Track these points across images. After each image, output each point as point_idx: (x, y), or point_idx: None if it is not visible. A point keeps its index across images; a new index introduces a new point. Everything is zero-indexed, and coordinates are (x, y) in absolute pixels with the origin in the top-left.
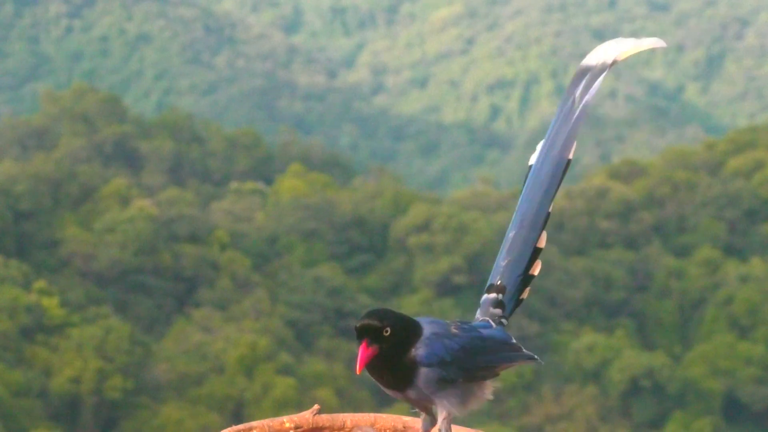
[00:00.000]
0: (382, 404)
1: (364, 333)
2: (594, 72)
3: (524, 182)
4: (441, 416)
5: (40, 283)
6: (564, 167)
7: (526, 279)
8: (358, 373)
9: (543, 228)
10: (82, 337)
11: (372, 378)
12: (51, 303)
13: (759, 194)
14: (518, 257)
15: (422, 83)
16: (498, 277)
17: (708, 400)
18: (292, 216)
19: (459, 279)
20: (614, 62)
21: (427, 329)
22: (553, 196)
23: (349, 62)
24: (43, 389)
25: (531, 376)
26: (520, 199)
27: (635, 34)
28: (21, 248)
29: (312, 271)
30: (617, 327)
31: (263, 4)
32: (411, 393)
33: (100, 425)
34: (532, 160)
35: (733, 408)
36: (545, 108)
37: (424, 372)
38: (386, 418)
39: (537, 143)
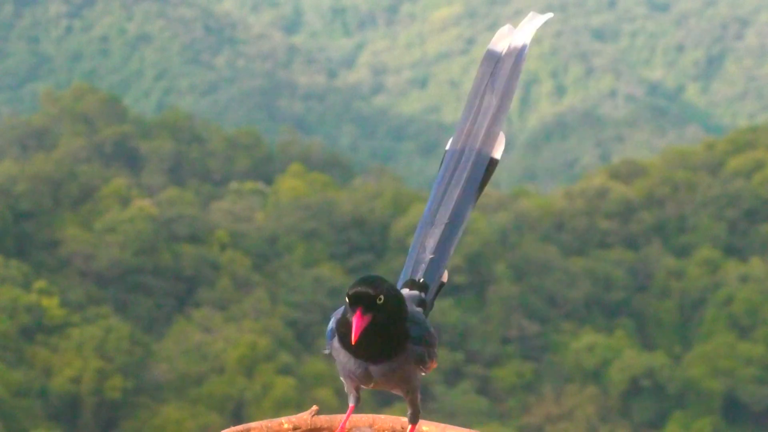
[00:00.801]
0: (381, 405)
1: (358, 301)
2: (506, 59)
3: (439, 170)
4: (410, 400)
5: (40, 283)
6: (486, 165)
7: (441, 284)
8: (353, 342)
9: (463, 228)
10: (82, 337)
11: (344, 348)
12: (51, 303)
13: (759, 194)
14: (441, 257)
15: (422, 83)
16: (420, 274)
17: (708, 400)
18: (292, 216)
19: (459, 279)
20: (525, 47)
21: (410, 305)
22: (476, 197)
23: (349, 62)
24: (43, 389)
25: (531, 376)
26: (434, 191)
27: (635, 34)
28: (21, 248)
29: (312, 271)
30: (617, 327)
31: (263, 4)
32: (384, 368)
33: (100, 425)
34: (448, 146)
35: (733, 408)
36: (545, 108)
37: (411, 348)
38: (384, 419)
39: (537, 143)
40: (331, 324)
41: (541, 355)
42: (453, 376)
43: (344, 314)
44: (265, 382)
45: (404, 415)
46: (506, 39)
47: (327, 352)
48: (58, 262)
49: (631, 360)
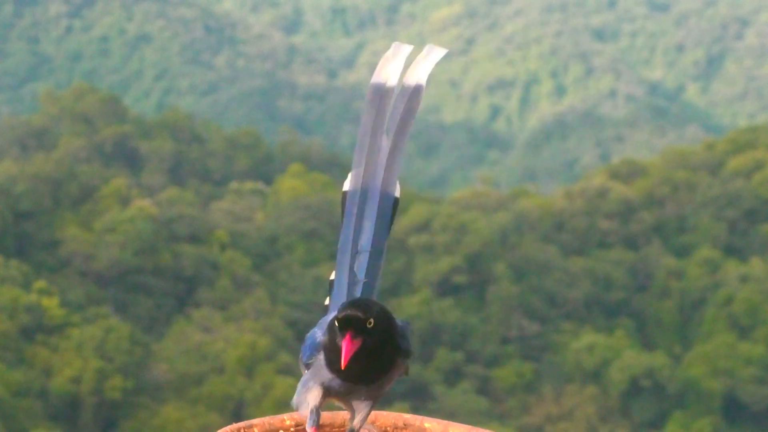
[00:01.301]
0: (381, 402)
1: (347, 325)
2: (400, 98)
3: (343, 210)
4: (365, 411)
5: (40, 283)
6: (393, 205)
7: None
8: (343, 368)
9: (385, 257)
10: (82, 337)
11: (332, 372)
12: (51, 303)
13: (759, 194)
14: (372, 281)
15: None
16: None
17: (708, 400)
18: (292, 216)
19: (459, 279)
20: (420, 86)
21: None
22: (388, 231)
23: (349, 62)
24: (43, 389)
25: (531, 376)
26: (346, 224)
27: (635, 34)
28: (21, 248)
29: (312, 271)
30: (617, 327)
31: (263, 4)
32: (374, 386)
33: (100, 425)
34: (347, 186)
35: (733, 408)
36: (545, 108)
37: (399, 362)
38: (386, 416)
39: (537, 143)
40: (318, 336)
41: (541, 355)
42: (453, 376)
43: (332, 338)
44: (265, 382)
45: (404, 412)
46: (395, 70)
47: (309, 362)
48: (58, 262)
49: (631, 360)
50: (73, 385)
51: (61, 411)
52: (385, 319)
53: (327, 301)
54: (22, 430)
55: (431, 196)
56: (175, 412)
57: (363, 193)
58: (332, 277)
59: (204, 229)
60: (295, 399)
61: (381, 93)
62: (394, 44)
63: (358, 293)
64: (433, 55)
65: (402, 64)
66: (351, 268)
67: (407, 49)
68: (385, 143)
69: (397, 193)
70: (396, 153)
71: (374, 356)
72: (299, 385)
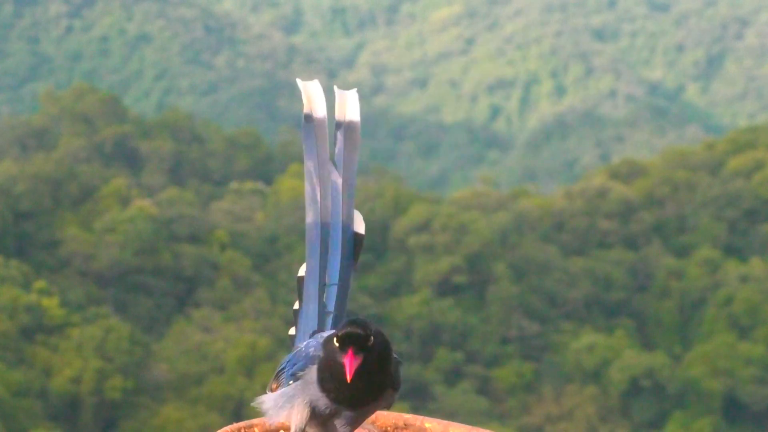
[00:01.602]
0: None
1: (350, 341)
2: (339, 134)
3: (309, 239)
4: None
5: (40, 283)
6: (354, 241)
7: None
8: (349, 381)
9: (351, 290)
10: (82, 337)
11: (323, 390)
12: (51, 303)
13: (759, 194)
14: (340, 313)
15: (422, 83)
16: (327, 328)
17: (708, 400)
18: (292, 216)
19: (459, 279)
20: (355, 123)
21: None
22: (354, 265)
23: (349, 62)
24: (43, 389)
25: (531, 376)
26: (312, 258)
27: (635, 34)
28: (21, 248)
29: None
30: (617, 327)
31: (263, 4)
32: (363, 410)
33: (100, 425)
34: (309, 218)
35: (733, 408)
36: (545, 108)
37: (389, 393)
38: (387, 416)
39: (537, 143)
40: (313, 349)
41: (541, 355)
42: (453, 376)
43: (329, 355)
44: (265, 382)
45: (404, 412)
46: (319, 104)
47: (300, 373)
48: (58, 262)
49: (631, 360)
50: (73, 385)
51: (61, 411)
52: (383, 342)
53: (292, 331)
54: (22, 430)
55: (431, 196)
56: (175, 412)
57: (324, 227)
58: (296, 307)
59: (204, 229)
60: (269, 404)
61: (313, 124)
62: (299, 81)
63: (327, 325)
64: (347, 98)
65: (322, 100)
66: (320, 299)
67: (315, 85)
68: (336, 176)
69: (361, 230)
70: (348, 188)
71: (372, 376)
72: (279, 395)
